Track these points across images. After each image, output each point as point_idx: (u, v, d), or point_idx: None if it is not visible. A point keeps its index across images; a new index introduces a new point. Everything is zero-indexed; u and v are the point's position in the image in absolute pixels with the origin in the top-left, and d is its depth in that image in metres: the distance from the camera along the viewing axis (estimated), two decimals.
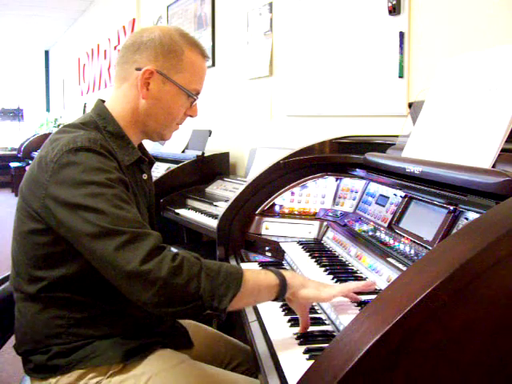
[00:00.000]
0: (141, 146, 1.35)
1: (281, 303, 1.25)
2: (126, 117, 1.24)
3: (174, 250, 1.05)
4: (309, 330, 1.10)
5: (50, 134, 6.43)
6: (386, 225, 1.41)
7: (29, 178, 1.14)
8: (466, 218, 1.11)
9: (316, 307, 1.23)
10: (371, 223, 1.50)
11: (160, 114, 1.25)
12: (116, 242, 0.97)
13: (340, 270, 1.37)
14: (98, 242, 0.99)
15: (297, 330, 1.10)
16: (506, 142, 1.07)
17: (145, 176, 1.31)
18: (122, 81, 1.25)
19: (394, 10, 2.08)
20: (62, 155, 1.06)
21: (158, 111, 1.24)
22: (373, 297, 1.15)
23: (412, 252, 1.23)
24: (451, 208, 1.16)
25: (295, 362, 0.96)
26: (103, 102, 1.28)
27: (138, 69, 1.20)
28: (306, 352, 0.99)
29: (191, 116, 1.31)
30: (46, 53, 12.07)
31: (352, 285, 1.15)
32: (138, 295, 0.97)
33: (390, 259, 1.25)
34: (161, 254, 0.98)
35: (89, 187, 1.02)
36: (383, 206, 1.48)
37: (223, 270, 1.01)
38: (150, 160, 1.36)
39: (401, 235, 1.32)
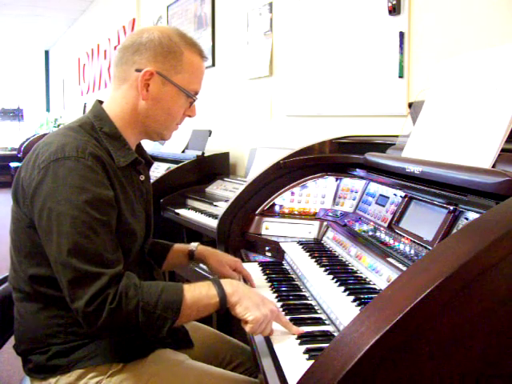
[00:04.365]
0: (139, 147, 1.35)
1: (281, 303, 1.25)
2: (124, 118, 1.24)
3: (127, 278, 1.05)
4: (309, 330, 1.10)
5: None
6: (385, 225, 1.41)
7: (19, 176, 1.16)
8: (466, 218, 1.11)
9: (316, 307, 1.23)
10: (371, 223, 1.50)
11: (160, 115, 1.24)
12: (68, 275, 1.02)
13: (340, 270, 1.36)
14: (57, 265, 1.05)
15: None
16: (506, 141, 1.07)
17: (142, 177, 1.30)
18: (120, 82, 1.24)
19: (394, 10, 2.08)
20: (48, 163, 1.08)
21: (158, 112, 1.24)
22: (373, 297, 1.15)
23: (412, 252, 1.23)
24: (451, 208, 1.16)
25: (295, 361, 0.96)
26: (101, 102, 1.28)
27: (138, 70, 1.20)
28: (305, 352, 0.99)
29: (190, 116, 1.31)
30: (46, 53, 12.07)
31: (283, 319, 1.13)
32: (84, 325, 1.04)
33: (389, 259, 1.25)
34: (103, 294, 1.01)
35: (64, 205, 1.04)
36: (383, 206, 1.48)
37: (161, 301, 1.04)
38: (147, 161, 1.36)
39: (401, 235, 1.32)
